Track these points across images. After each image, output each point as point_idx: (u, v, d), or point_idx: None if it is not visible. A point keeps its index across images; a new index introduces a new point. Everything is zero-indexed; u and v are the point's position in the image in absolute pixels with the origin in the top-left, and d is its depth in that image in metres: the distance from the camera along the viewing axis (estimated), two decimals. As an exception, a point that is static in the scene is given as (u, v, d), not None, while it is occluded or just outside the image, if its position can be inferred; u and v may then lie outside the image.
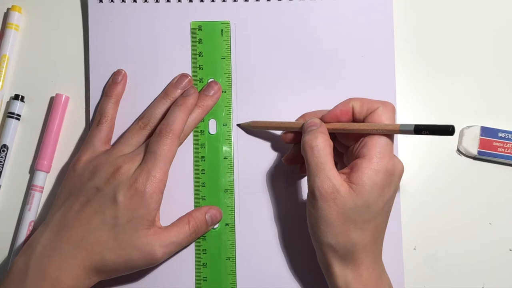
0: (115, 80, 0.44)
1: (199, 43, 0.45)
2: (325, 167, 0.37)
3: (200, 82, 0.44)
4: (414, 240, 0.44)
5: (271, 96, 0.45)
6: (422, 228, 0.44)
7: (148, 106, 0.44)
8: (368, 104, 0.39)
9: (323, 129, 0.39)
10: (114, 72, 0.44)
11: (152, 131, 0.42)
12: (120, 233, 0.38)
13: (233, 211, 0.44)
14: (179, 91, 0.43)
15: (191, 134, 0.44)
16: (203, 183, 0.44)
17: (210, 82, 0.44)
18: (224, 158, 0.44)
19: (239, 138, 0.44)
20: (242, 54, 0.45)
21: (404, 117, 0.45)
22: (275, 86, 0.45)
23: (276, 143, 0.44)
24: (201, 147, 0.44)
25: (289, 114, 0.44)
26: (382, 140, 0.37)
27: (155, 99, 0.44)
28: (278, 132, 0.44)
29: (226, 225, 0.44)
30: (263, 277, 0.43)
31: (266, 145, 0.44)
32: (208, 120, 0.44)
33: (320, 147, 0.38)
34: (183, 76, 0.44)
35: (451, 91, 0.46)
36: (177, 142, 0.41)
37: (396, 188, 0.38)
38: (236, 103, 0.45)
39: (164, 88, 0.44)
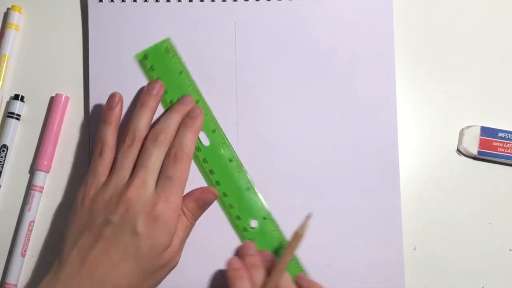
0: (111, 105, 0.42)
1: (151, 70, 0.44)
2: None
3: (170, 103, 0.44)
4: (414, 240, 0.44)
5: (271, 95, 0.45)
6: (422, 228, 0.44)
7: (130, 120, 0.42)
8: None
9: None
10: (109, 96, 0.42)
11: (141, 146, 0.41)
12: (143, 260, 0.38)
13: (263, 204, 0.44)
14: (154, 98, 0.42)
15: None
16: (224, 193, 0.44)
17: (193, 107, 0.43)
18: (230, 161, 0.44)
19: (239, 136, 0.44)
20: (242, 54, 0.45)
21: (404, 117, 0.45)
22: (275, 86, 0.45)
23: (275, 137, 0.44)
24: (204, 162, 0.44)
25: (289, 113, 0.44)
26: None
27: (134, 112, 0.42)
28: (274, 127, 0.44)
29: (264, 218, 0.44)
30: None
31: (267, 137, 0.44)
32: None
33: None
34: (153, 82, 0.43)
35: (451, 91, 0.46)
36: (190, 164, 0.41)
37: None
38: (236, 103, 0.45)
39: (140, 98, 0.43)
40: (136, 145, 0.41)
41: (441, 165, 0.45)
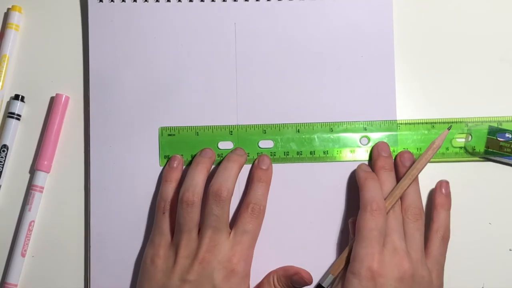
0: (171, 166, 0.43)
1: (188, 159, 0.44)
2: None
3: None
4: (414, 240, 0.44)
5: (272, 95, 0.45)
6: (422, 228, 0.44)
7: (186, 178, 0.42)
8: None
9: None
10: (170, 158, 0.43)
11: (201, 201, 0.41)
12: None
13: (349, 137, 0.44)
14: (209, 160, 0.43)
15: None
16: (325, 152, 0.43)
17: (262, 157, 0.44)
18: (298, 132, 0.44)
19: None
20: (241, 54, 0.45)
21: (404, 118, 0.45)
22: (276, 86, 0.45)
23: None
24: (299, 154, 0.44)
25: (289, 113, 0.44)
26: (360, 246, 0.39)
27: (189, 170, 0.42)
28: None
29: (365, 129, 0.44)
30: None
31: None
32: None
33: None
34: (206, 149, 0.43)
35: (451, 92, 0.46)
36: (263, 218, 0.41)
37: None
38: (236, 103, 0.45)
39: (194, 160, 0.43)
40: (196, 203, 0.40)
41: (441, 165, 0.45)
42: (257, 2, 0.45)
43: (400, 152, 0.44)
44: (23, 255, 0.43)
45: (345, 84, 0.45)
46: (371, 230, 0.39)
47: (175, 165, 0.43)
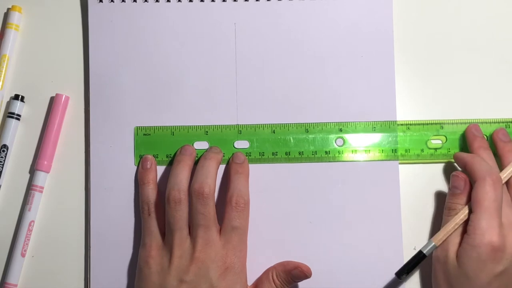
0: (144, 167, 0.43)
1: (165, 158, 0.44)
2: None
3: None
4: (414, 240, 0.44)
5: (272, 96, 0.45)
6: (422, 228, 0.44)
7: (169, 178, 0.42)
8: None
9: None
10: (142, 159, 0.44)
11: (187, 199, 0.41)
12: None
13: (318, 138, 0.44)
14: (189, 157, 0.43)
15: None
16: (300, 153, 0.43)
17: (237, 153, 0.44)
18: (273, 132, 0.44)
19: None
20: (241, 54, 0.45)
21: (405, 118, 0.45)
22: (276, 86, 0.45)
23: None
24: (274, 155, 0.44)
25: (289, 114, 0.44)
26: (481, 218, 0.39)
27: (171, 171, 0.42)
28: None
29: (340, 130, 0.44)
30: None
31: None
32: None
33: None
34: (186, 146, 0.44)
35: (452, 92, 0.46)
36: (249, 210, 0.41)
37: None
38: (236, 103, 0.45)
39: (174, 159, 0.43)
40: (183, 200, 0.41)
41: (441, 165, 0.45)
42: (257, 2, 0.45)
43: (495, 130, 0.44)
44: (23, 255, 0.43)
45: (345, 84, 0.45)
46: (493, 201, 0.39)
47: (148, 166, 0.43)
